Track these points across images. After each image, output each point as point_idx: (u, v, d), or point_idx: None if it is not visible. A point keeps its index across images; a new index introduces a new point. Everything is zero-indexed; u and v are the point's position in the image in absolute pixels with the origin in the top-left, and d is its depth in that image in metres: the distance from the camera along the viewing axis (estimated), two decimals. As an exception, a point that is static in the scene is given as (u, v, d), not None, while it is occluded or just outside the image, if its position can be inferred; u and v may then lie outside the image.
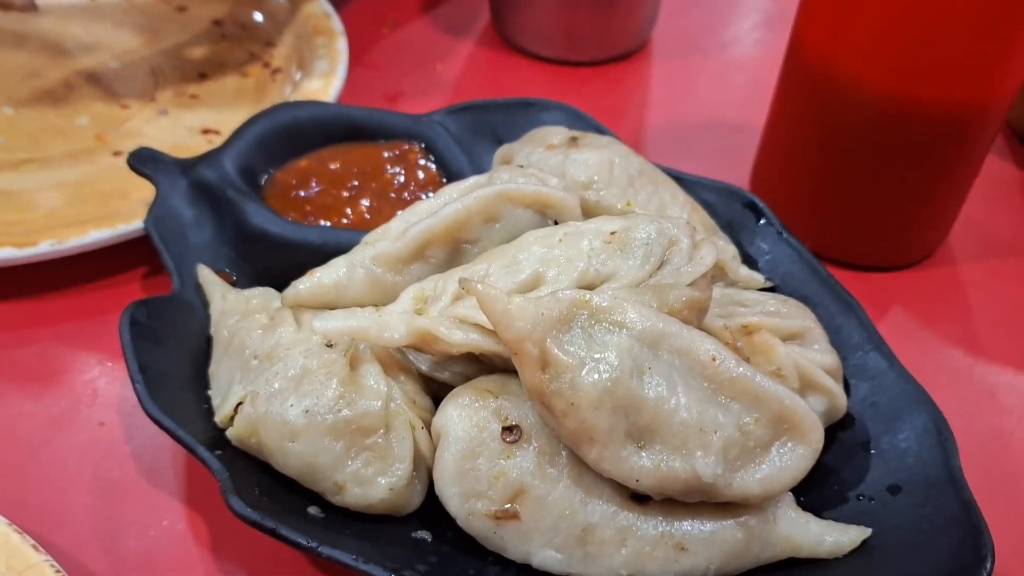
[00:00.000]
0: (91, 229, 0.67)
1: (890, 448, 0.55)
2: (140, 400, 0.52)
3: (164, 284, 0.69)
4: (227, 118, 0.83)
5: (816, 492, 0.53)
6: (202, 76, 0.89)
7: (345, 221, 0.66)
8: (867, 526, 0.51)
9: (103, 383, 0.64)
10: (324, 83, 0.82)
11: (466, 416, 0.49)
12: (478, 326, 0.49)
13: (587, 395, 0.45)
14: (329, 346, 0.52)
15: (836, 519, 0.52)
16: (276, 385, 0.51)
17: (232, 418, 0.52)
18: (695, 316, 0.50)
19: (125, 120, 0.84)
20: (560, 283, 0.51)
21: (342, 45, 0.87)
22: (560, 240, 0.52)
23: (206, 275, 0.62)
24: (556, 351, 0.45)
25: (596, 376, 0.45)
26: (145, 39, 0.93)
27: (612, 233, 0.51)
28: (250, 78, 0.89)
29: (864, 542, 0.50)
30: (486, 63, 0.99)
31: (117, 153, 0.79)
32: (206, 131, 0.82)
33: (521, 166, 0.61)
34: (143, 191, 0.72)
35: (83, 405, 0.62)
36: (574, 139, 0.66)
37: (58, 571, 0.47)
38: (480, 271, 0.53)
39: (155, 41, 0.93)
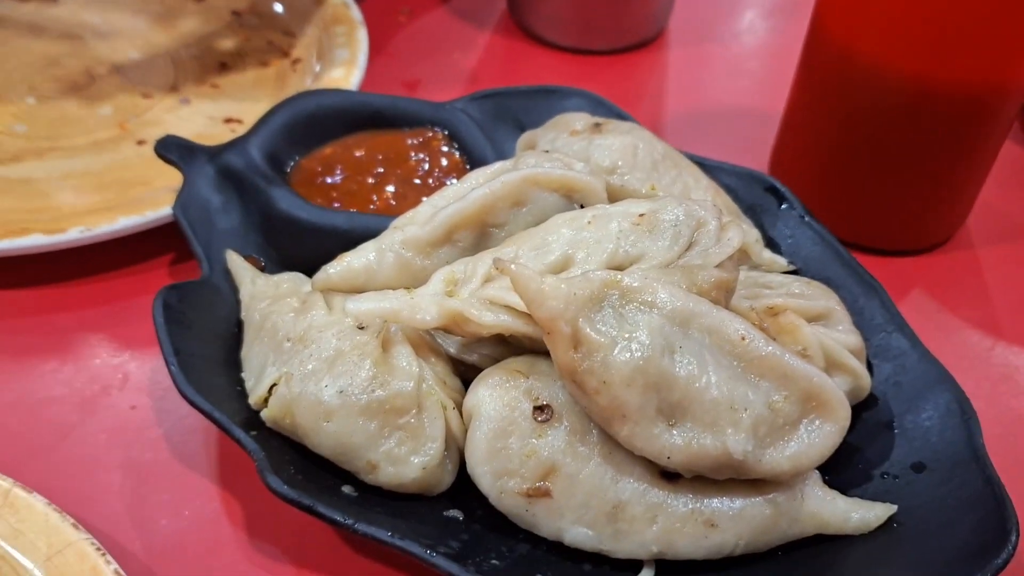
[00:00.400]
0: (119, 216, 0.68)
1: (914, 427, 0.55)
2: (175, 382, 0.53)
3: (189, 271, 0.70)
4: (248, 108, 0.84)
5: (841, 471, 0.54)
6: (223, 66, 0.90)
7: (371, 207, 0.66)
8: (892, 503, 0.51)
9: (133, 367, 0.64)
10: (345, 72, 0.83)
11: (497, 396, 0.49)
12: (508, 307, 0.50)
13: (619, 373, 0.45)
14: (361, 328, 0.53)
15: (861, 497, 0.52)
16: (310, 366, 0.52)
17: (266, 399, 0.53)
18: (723, 296, 0.50)
19: (147, 109, 0.84)
20: (589, 264, 0.51)
21: (362, 34, 0.87)
22: (589, 222, 0.53)
23: (235, 260, 0.62)
24: (588, 330, 0.46)
25: (628, 355, 0.46)
26: (164, 28, 0.93)
27: (640, 215, 0.52)
28: (270, 68, 0.89)
29: (890, 519, 0.51)
30: (503, 52, 0.99)
31: (140, 142, 0.80)
32: (228, 120, 0.83)
33: (546, 151, 0.62)
34: (166, 179, 0.72)
35: (114, 389, 0.63)
36: (597, 125, 0.66)
37: (98, 548, 0.48)
38: (510, 253, 0.53)
39: (175, 31, 0.93)
